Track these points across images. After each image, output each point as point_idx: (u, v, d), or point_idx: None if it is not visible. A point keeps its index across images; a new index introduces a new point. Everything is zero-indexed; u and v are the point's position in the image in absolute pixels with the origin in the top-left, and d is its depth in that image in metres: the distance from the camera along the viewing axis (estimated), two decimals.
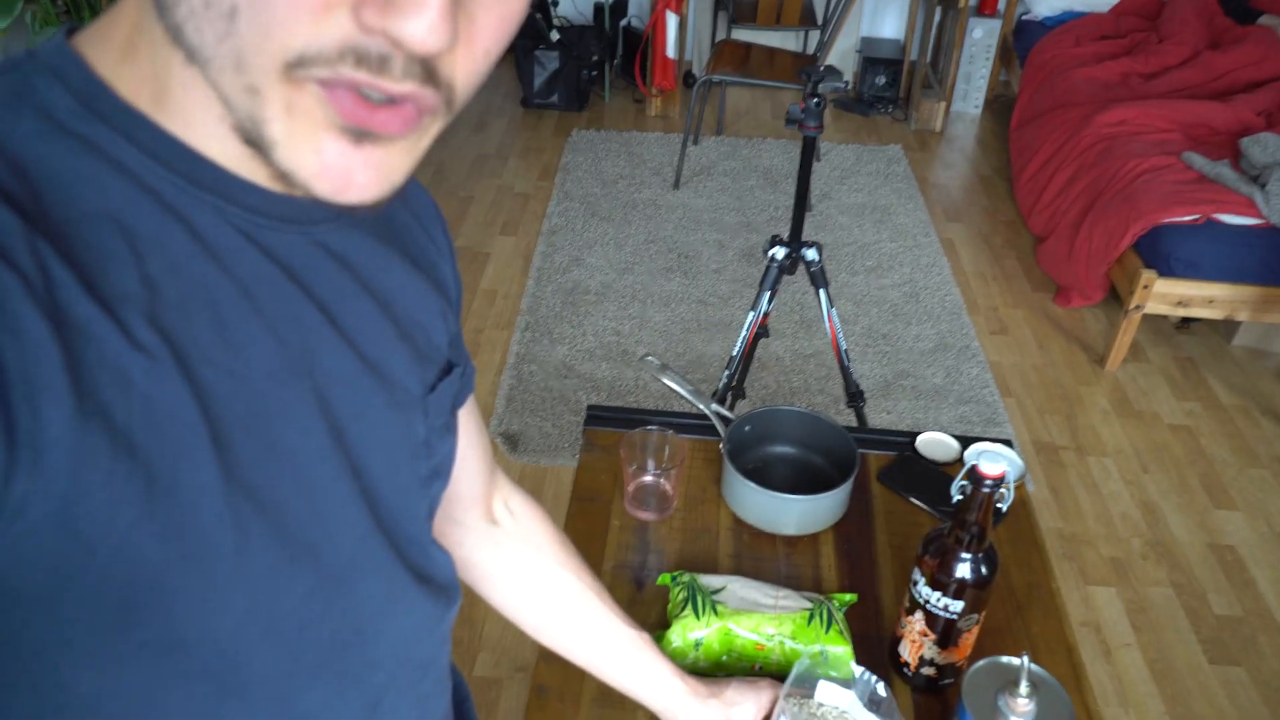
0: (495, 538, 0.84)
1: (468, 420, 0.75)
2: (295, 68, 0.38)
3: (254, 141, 0.41)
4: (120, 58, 0.43)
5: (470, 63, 0.42)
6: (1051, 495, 2.46)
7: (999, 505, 0.92)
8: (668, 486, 1.25)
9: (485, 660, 1.99)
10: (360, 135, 0.41)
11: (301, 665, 0.52)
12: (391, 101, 0.40)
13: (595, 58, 4.38)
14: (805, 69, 1.63)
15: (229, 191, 0.46)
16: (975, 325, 3.08)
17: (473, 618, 2.06)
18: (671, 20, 4.07)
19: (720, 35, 4.46)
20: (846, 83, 1.69)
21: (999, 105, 4.60)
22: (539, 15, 4.26)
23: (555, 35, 4.25)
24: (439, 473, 0.64)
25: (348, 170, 0.41)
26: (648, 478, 1.25)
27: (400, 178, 0.44)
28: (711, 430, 1.33)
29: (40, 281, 0.38)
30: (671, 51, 4.18)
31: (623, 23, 4.56)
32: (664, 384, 1.33)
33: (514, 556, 0.85)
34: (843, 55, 4.64)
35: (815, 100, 1.63)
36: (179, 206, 0.44)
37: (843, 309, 3.09)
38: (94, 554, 0.40)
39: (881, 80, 4.52)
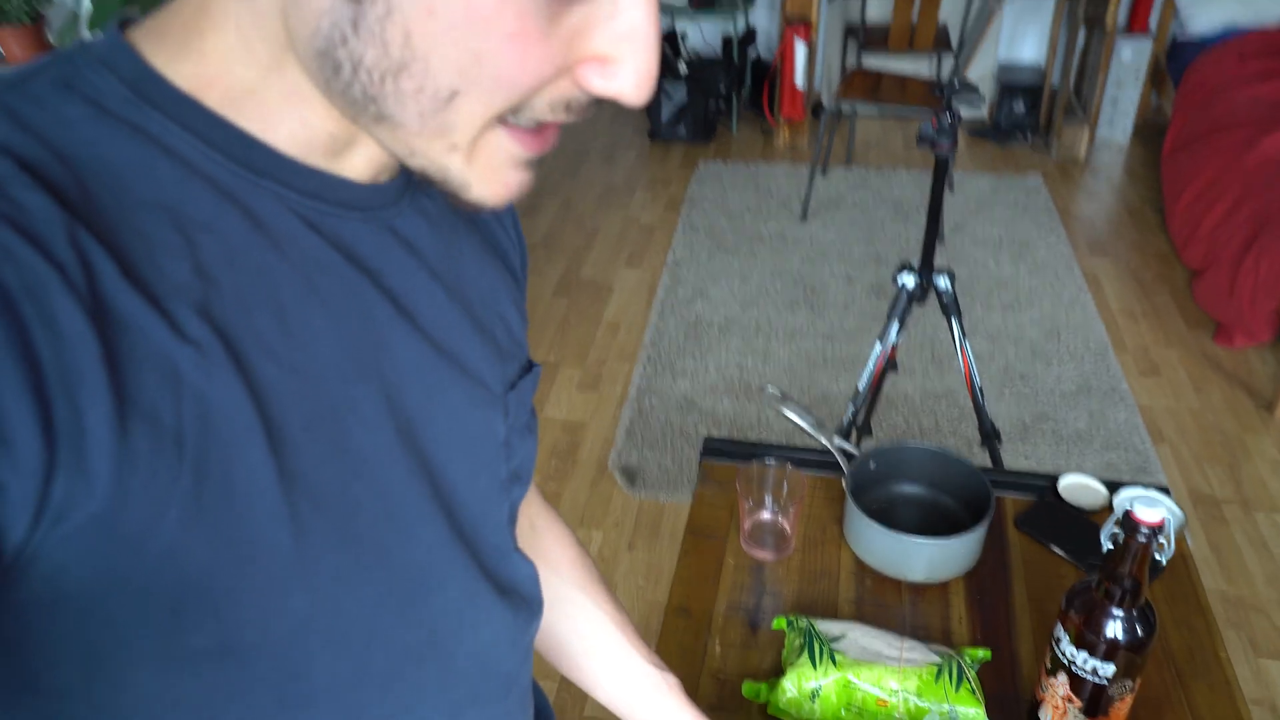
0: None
1: None
2: (501, 120, 0.41)
3: (437, 180, 0.43)
4: (179, 51, 0.42)
5: None
6: (1213, 554, 2.25)
7: (1157, 557, 0.83)
8: (786, 524, 1.19)
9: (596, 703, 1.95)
10: (534, 163, 0.45)
11: (370, 676, 0.50)
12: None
13: (723, 89, 4.37)
14: (937, 85, 1.56)
15: (288, 177, 0.44)
16: (1123, 366, 2.88)
17: None
18: (800, 49, 4.02)
19: (850, 63, 4.39)
20: (983, 98, 1.61)
21: (1149, 132, 4.34)
22: (667, 48, 4.29)
23: (683, 68, 4.27)
24: (519, 476, 0.62)
25: (521, 190, 0.45)
26: (765, 514, 1.20)
27: None
28: (834, 467, 1.26)
29: (80, 272, 0.36)
30: (800, 81, 4.13)
31: (751, 54, 4.54)
32: (785, 417, 1.28)
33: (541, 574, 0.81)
34: (979, 81, 4.48)
35: (949, 117, 1.55)
36: (236, 193, 0.43)
37: (977, 346, 2.95)
38: (141, 556, 0.39)
39: (1020, 108, 4.34)
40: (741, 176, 4.07)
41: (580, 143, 4.42)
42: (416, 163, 0.43)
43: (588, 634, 0.79)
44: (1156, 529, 0.80)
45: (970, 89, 1.60)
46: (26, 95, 0.40)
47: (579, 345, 3.02)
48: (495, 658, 0.60)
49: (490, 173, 0.43)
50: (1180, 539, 1.19)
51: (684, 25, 4.48)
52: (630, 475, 2.49)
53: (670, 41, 4.35)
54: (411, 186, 0.52)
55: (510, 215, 0.64)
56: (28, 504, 0.35)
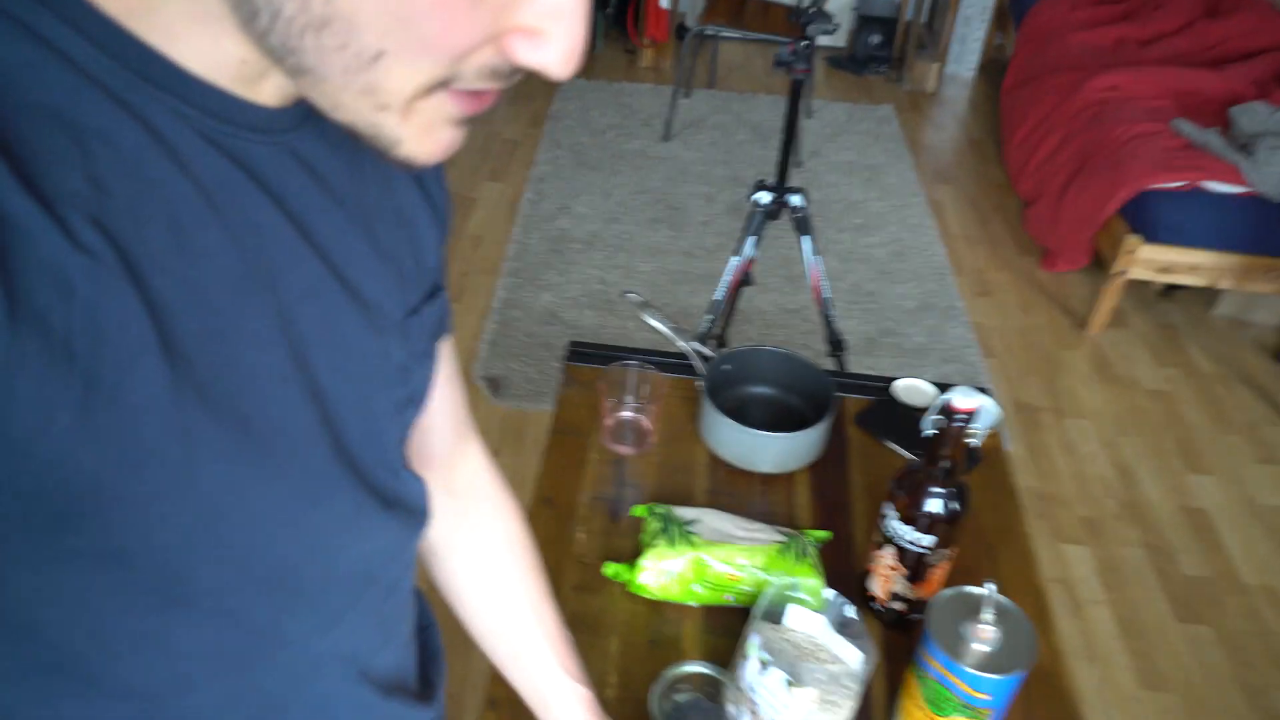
0: (452, 511, 0.80)
1: (445, 362, 0.73)
2: (432, 89, 0.41)
3: (367, 136, 0.43)
4: None
5: None
6: (1029, 455, 2.49)
7: (971, 442, 0.93)
8: (646, 422, 1.25)
9: None
10: (471, 121, 0.45)
11: (252, 581, 0.51)
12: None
13: None
14: (795, 11, 1.61)
15: (190, 95, 0.43)
16: (960, 287, 3.08)
17: None
18: None
19: None
20: (836, 25, 1.67)
21: (993, 68, 4.57)
22: None
23: None
24: (413, 400, 0.62)
25: (452, 147, 0.45)
26: (626, 413, 1.26)
27: None
28: (691, 370, 1.33)
29: None
30: (665, 2, 4.12)
31: None
32: (645, 321, 1.33)
33: (470, 545, 0.82)
34: (838, 13, 4.58)
35: (804, 43, 1.61)
36: (133, 104, 0.41)
37: (828, 266, 3.09)
38: (29, 460, 0.38)
39: (876, 39, 4.48)
40: (605, 95, 4.06)
41: None
42: (342, 117, 0.42)
43: (519, 627, 0.82)
44: (970, 415, 0.90)
45: (825, 17, 1.65)
46: None
47: None
48: (377, 566, 0.61)
49: (424, 131, 0.43)
50: (996, 435, 1.32)
51: None
52: (494, 385, 2.51)
53: None
54: (315, 111, 0.50)
55: (437, 167, 0.64)
56: None
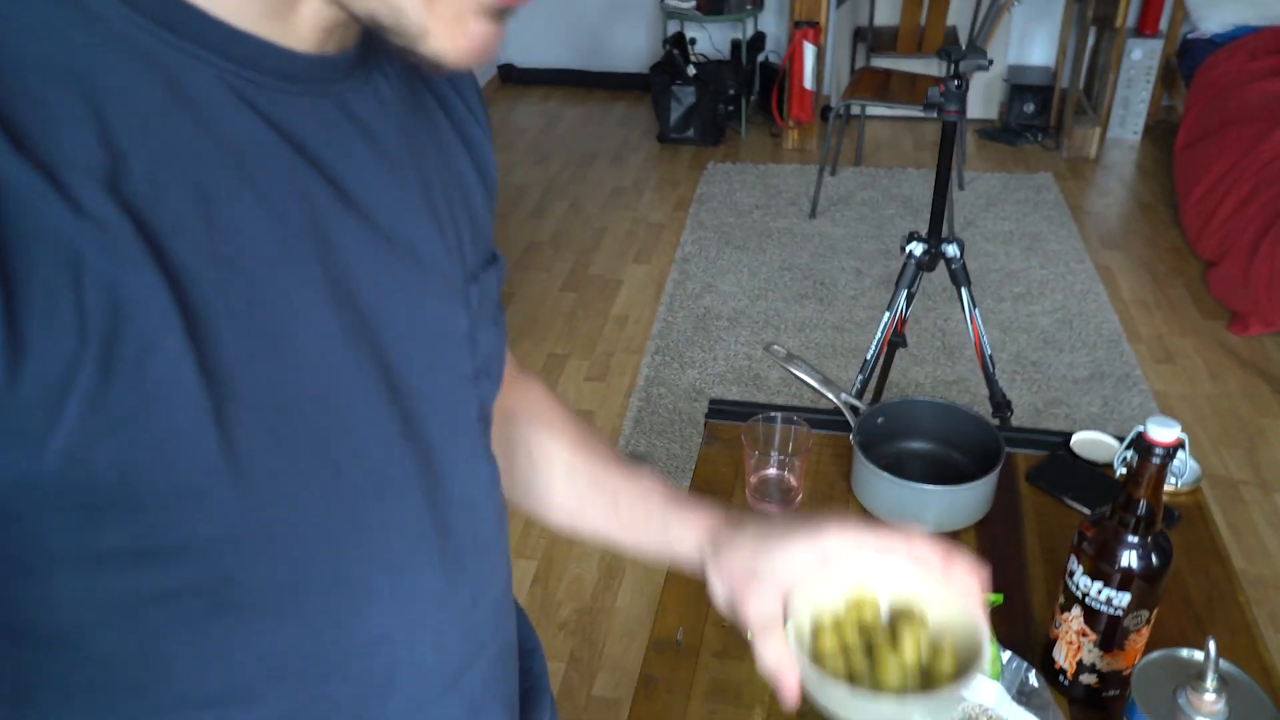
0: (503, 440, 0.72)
1: None
2: None
3: (392, 31, 0.41)
4: None
5: None
6: (1231, 532, 2.22)
7: (1173, 481, 0.80)
8: (792, 479, 1.17)
9: (605, 680, 1.93)
10: (500, 14, 0.42)
11: (312, 584, 0.47)
12: None
13: (732, 92, 4.38)
14: (945, 48, 1.55)
15: (220, 42, 0.40)
16: (1137, 354, 2.84)
17: (593, 638, 2.00)
18: (809, 52, 4.02)
19: (860, 65, 4.39)
20: (990, 61, 1.60)
21: (1160, 131, 4.32)
22: (676, 51, 4.30)
23: (692, 70, 4.28)
24: (486, 371, 0.58)
25: (487, 48, 0.42)
26: (771, 470, 1.18)
27: None
28: (841, 425, 1.24)
29: None
30: (809, 83, 4.13)
31: (760, 58, 4.55)
32: (792, 374, 1.26)
33: (520, 451, 0.73)
34: (988, 84, 4.47)
35: (955, 82, 1.54)
36: (157, 58, 0.39)
37: (990, 335, 2.92)
38: (42, 452, 0.36)
39: (1030, 108, 4.33)
40: (750, 177, 4.07)
41: (588, 146, 4.42)
42: (365, 5, 0.40)
43: (585, 492, 0.72)
44: (1171, 450, 0.78)
45: (978, 52, 1.58)
46: None
47: (587, 338, 3.01)
48: (464, 557, 0.55)
49: (451, 20, 0.40)
50: (1198, 492, 1.16)
51: (693, 30, 4.50)
52: (639, 462, 2.47)
53: (679, 45, 4.36)
54: (365, 64, 0.48)
55: (479, 100, 0.61)
56: None
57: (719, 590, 0.62)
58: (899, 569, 0.59)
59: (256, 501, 0.42)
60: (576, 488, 0.72)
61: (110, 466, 0.37)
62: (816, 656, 0.57)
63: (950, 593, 0.58)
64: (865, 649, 0.58)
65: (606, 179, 4.12)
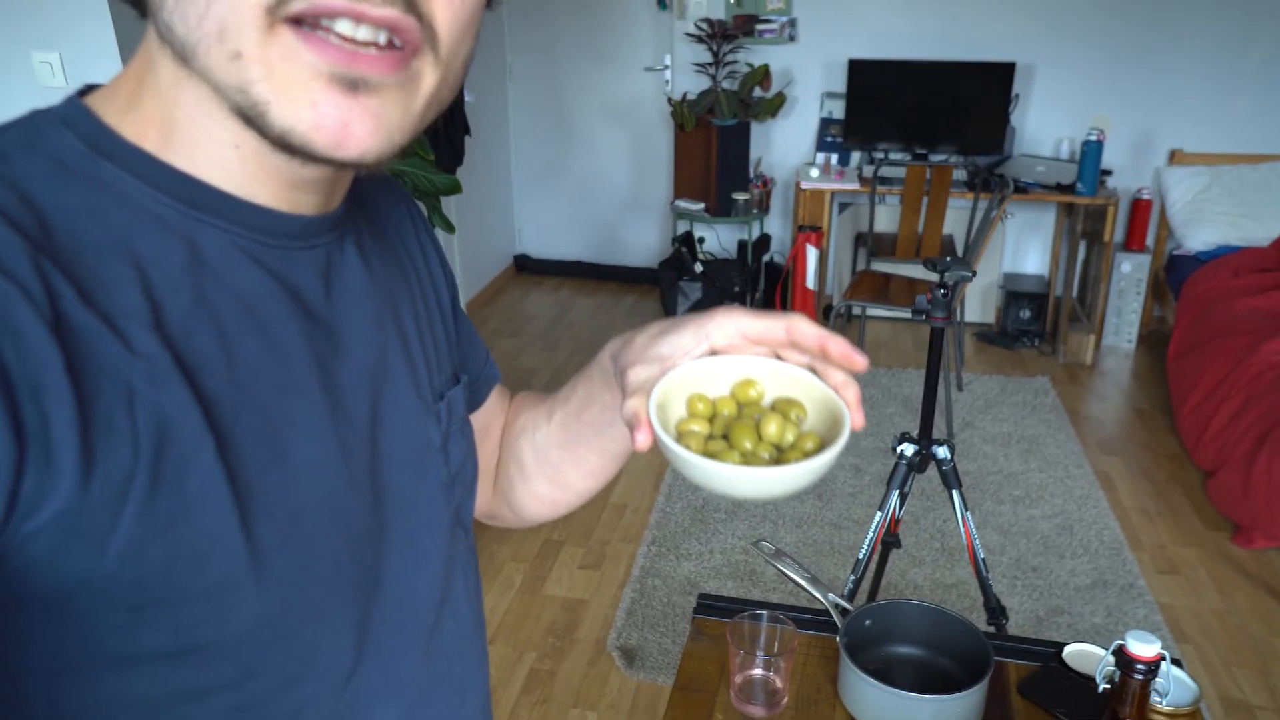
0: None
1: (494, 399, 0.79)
2: (272, 12, 0.41)
3: (250, 114, 0.43)
4: (126, 106, 0.47)
5: (449, 4, 0.45)
6: None
7: (1158, 699, 0.79)
8: (778, 680, 1.14)
9: None
10: (352, 83, 0.43)
11: (318, 672, 0.52)
12: (376, 46, 0.43)
13: (737, 289, 4.55)
14: (932, 258, 1.63)
15: (230, 212, 0.48)
16: (1140, 563, 2.80)
17: None
18: (812, 254, 4.21)
19: (861, 268, 4.57)
20: (973, 273, 1.67)
21: (1154, 340, 4.43)
22: (684, 249, 4.51)
23: (699, 268, 4.46)
24: (459, 479, 0.65)
25: (345, 122, 0.43)
26: (756, 670, 1.15)
27: (399, 134, 0.46)
28: (829, 626, 1.22)
29: (42, 293, 0.40)
30: (811, 283, 4.29)
31: (765, 257, 4.75)
32: (779, 571, 1.25)
33: (512, 455, 0.80)
34: (985, 290, 4.64)
35: (941, 290, 1.61)
36: (180, 229, 0.47)
37: (989, 539, 2.90)
38: (102, 554, 0.41)
39: (1026, 314, 4.47)
40: None
41: (597, 335, 4.55)
42: (231, 100, 0.43)
43: (533, 416, 0.78)
44: (1153, 664, 0.77)
45: (962, 264, 1.66)
46: None
47: (583, 525, 2.99)
48: (448, 653, 0.62)
49: (291, 88, 0.42)
50: (1197, 714, 1.13)
51: (701, 229, 4.73)
52: (629, 656, 2.39)
53: (688, 243, 4.57)
54: (348, 219, 0.57)
55: (426, 229, 0.69)
56: (1, 499, 0.38)
57: (618, 379, 0.63)
58: (784, 365, 0.60)
59: (273, 597, 0.47)
60: (550, 436, 0.76)
61: (157, 566, 0.42)
62: (681, 423, 0.58)
63: (824, 377, 0.59)
64: (731, 423, 0.59)
65: None
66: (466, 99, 4.09)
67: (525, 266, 5.34)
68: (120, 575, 0.41)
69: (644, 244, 5.15)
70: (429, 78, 0.46)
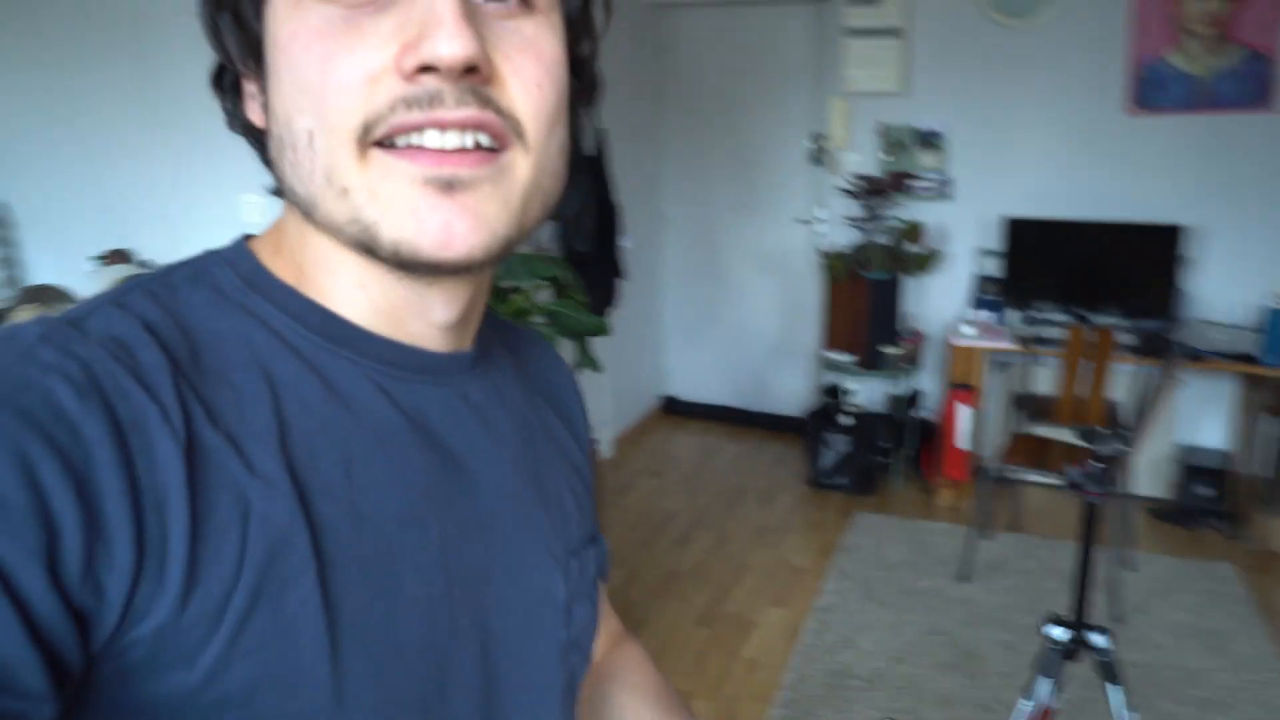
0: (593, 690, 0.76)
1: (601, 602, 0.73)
2: (361, 142, 0.45)
3: (365, 241, 0.46)
4: (274, 251, 0.53)
5: (527, 94, 0.47)
6: None
7: None
8: None
9: None
10: (447, 184, 0.45)
11: None
12: (462, 150, 0.45)
13: (885, 444, 4.42)
14: (1086, 428, 1.53)
15: (362, 345, 0.52)
16: None
17: None
18: (964, 413, 4.06)
19: (1017, 429, 4.36)
20: (1129, 448, 1.56)
21: None
22: (832, 400, 4.44)
23: (847, 420, 4.38)
24: (578, 644, 0.62)
25: (445, 222, 0.45)
26: None
27: (501, 227, 0.47)
28: None
29: (179, 413, 0.43)
30: (964, 443, 4.13)
31: (915, 413, 4.62)
32: None
33: (608, 701, 0.75)
34: (1157, 462, 4.33)
35: (1099, 463, 1.51)
36: (316, 360, 0.50)
37: None
38: (191, 669, 0.41)
39: (1205, 491, 4.12)
40: (900, 531, 3.98)
41: (740, 481, 4.50)
42: (348, 234, 0.47)
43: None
44: None
45: (1119, 435, 1.55)
46: (165, 283, 0.50)
47: (715, 679, 2.88)
48: None
49: (393, 202, 0.46)
50: None
51: (850, 381, 4.66)
52: None
53: (835, 394, 4.51)
54: (484, 361, 0.59)
55: (579, 404, 0.70)
56: (118, 604, 0.40)
57: None
58: None
59: None
60: None
61: (241, 688, 0.42)
62: None
63: None
64: None
65: (754, 516, 4.13)
66: (625, 244, 4.26)
67: (673, 408, 5.39)
68: (204, 692, 0.42)
69: (791, 392, 5.12)
70: (522, 168, 0.48)
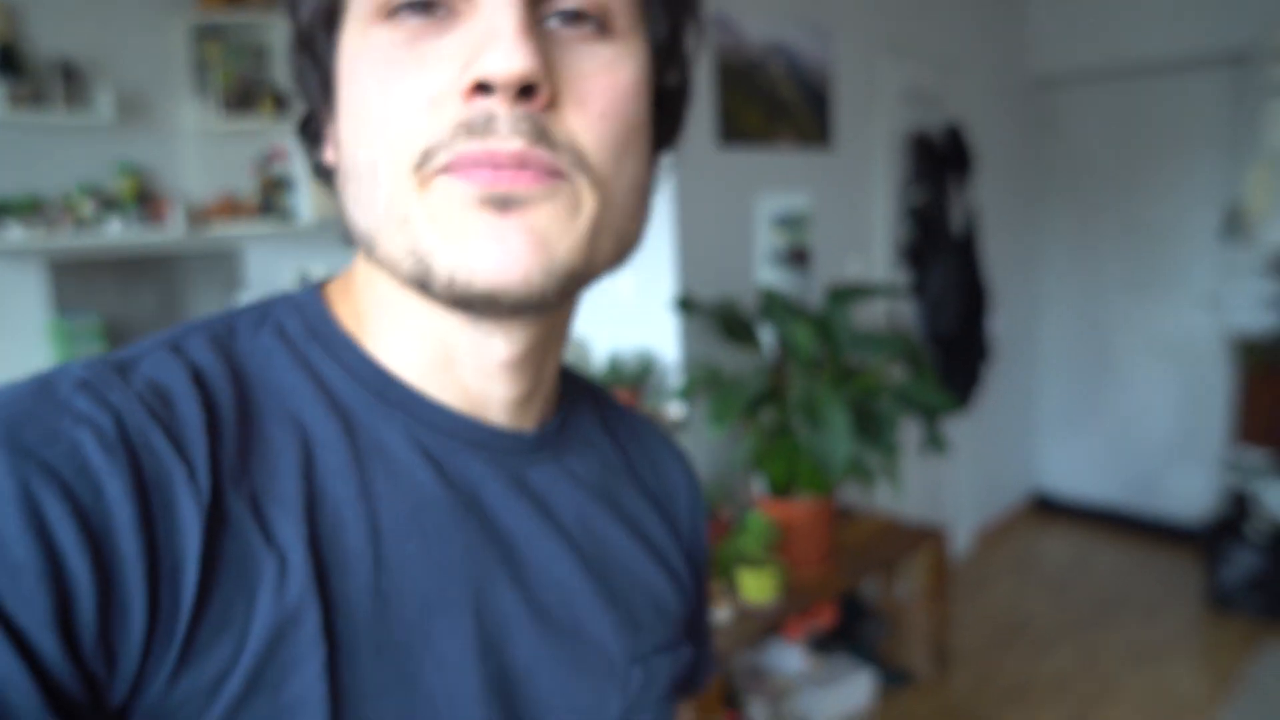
0: None
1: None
2: (422, 166, 0.42)
3: (421, 274, 0.43)
4: (342, 297, 0.51)
5: (589, 124, 0.43)
6: None
7: None
8: None
9: None
10: (502, 202, 0.42)
11: None
12: (517, 165, 0.42)
13: None
14: None
15: (416, 410, 0.48)
16: None
17: None
18: None
19: None
20: None
21: None
22: (1240, 506, 3.83)
23: (1259, 531, 3.74)
24: None
25: (500, 239, 0.42)
26: None
27: (563, 252, 0.43)
28: None
29: (206, 474, 0.41)
30: None
31: None
32: None
33: None
34: None
35: None
36: (365, 421, 0.47)
37: None
38: None
39: None
40: None
41: (1117, 591, 4.01)
42: (406, 267, 0.44)
43: None
44: None
45: None
46: (229, 327, 0.49)
47: None
48: None
49: (450, 224, 0.42)
50: None
51: (1266, 488, 3.99)
52: None
53: (1244, 503, 3.88)
54: (559, 444, 0.54)
55: (690, 509, 0.65)
56: (129, 676, 0.38)
57: None
58: None
59: None
60: None
61: None
62: None
63: None
64: None
65: (1132, 631, 3.65)
66: (993, 327, 4.07)
67: (1045, 504, 4.96)
68: None
69: (1188, 495, 4.48)
70: (589, 200, 0.44)
